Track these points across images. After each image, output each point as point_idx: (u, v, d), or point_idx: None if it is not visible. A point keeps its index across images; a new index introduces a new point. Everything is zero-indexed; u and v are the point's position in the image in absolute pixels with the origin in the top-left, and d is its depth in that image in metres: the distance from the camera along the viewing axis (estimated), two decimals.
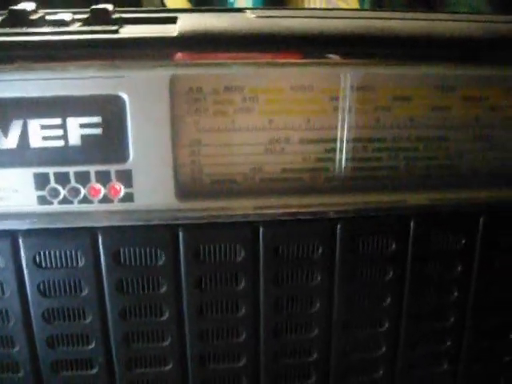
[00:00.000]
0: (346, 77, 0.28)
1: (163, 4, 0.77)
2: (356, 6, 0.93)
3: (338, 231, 0.30)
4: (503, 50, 0.29)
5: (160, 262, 0.29)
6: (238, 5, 0.93)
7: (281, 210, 0.30)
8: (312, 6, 0.95)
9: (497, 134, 0.31)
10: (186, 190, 0.29)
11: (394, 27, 0.29)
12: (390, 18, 0.32)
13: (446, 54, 0.28)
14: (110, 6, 0.28)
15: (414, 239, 0.31)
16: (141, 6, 0.72)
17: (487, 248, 0.32)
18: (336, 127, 0.29)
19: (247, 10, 0.32)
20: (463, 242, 0.32)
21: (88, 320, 0.30)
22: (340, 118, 0.29)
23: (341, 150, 0.30)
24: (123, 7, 0.31)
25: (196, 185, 0.29)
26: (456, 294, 0.33)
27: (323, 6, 0.94)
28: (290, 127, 0.29)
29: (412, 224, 0.31)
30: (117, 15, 0.28)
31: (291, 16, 0.31)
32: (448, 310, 0.33)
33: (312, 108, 0.29)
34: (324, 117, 0.29)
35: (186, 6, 0.90)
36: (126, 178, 0.28)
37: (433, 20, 0.32)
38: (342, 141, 0.30)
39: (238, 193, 0.30)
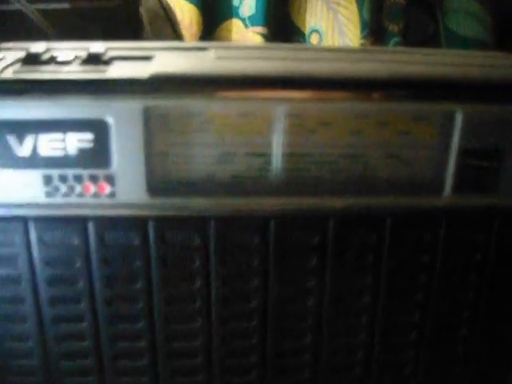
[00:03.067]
0: (280, 108, 0.36)
1: (166, 13, 0.85)
2: (356, 11, 1.02)
3: (271, 226, 0.38)
4: (400, 90, 0.36)
5: (134, 243, 0.38)
6: (243, 9, 1.02)
7: (228, 208, 0.37)
8: (314, 10, 1.03)
9: (402, 152, 0.38)
10: (155, 190, 0.37)
11: (317, 70, 0.37)
12: (331, 60, 0.39)
13: (352, 93, 0.36)
14: (102, 49, 0.37)
15: (332, 234, 0.38)
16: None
17: (394, 241, 0.39)
18: (272, 145, 0.37)
19: (212, 49, 0.41)
20: (374, 237, 0.39)
21: (79, 284, 0.38)
22: (275, 138, 0.37)
23: (276, 163, 0.37)
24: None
25: (163, 186, 0.37)
26: (370, 277, 0.40)
27: (324, 11, 1.03)
28: (237, 144, 0.37)
29: (331, 222, 0.38)
30: (108, 55, 0.37)
31: (247, 58, 0.39)
32: (364, 289, 0.41)
33: (254, 130, 0.37)
34: (263, 137, 0.37)
35: (192, 10, 0.99)
36: (110, 179, 0.36)
37: (366, 61, 0.40)
38: (277, 155, 0.37)
39: (195, 193, 0.37)
